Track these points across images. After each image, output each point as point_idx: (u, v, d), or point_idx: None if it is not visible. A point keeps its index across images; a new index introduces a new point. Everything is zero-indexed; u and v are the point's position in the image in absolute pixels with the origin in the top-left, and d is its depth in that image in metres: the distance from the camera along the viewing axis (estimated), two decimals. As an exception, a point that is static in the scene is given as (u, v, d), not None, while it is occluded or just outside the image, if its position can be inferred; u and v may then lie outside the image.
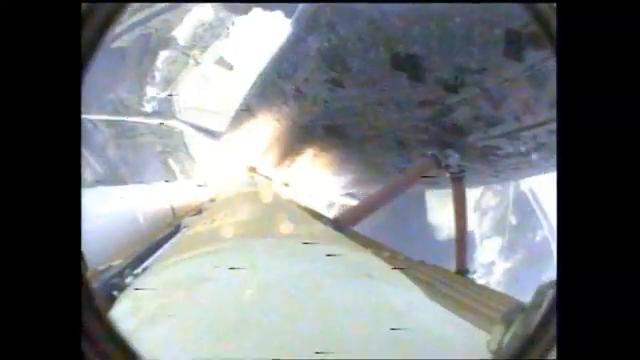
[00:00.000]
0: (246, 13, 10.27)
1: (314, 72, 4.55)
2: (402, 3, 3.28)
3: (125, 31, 9.88)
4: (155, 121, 10.22)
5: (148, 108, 10.48)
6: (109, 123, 10.60)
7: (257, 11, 10.21)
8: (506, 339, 0.64)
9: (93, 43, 0.59)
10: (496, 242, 15.25)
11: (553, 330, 0.59)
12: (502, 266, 15.10)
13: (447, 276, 3.01)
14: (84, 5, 0.58)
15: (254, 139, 7.83)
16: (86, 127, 10.28)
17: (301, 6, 4.75)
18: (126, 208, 3.91)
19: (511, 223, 14.91)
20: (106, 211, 3.63)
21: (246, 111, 7.68)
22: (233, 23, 10.60)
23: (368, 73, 3.96)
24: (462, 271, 4.79)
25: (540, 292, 0.64)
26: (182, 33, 10.49)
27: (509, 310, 0.67)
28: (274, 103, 6.03)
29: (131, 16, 9.62)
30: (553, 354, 0.59)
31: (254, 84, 7.12)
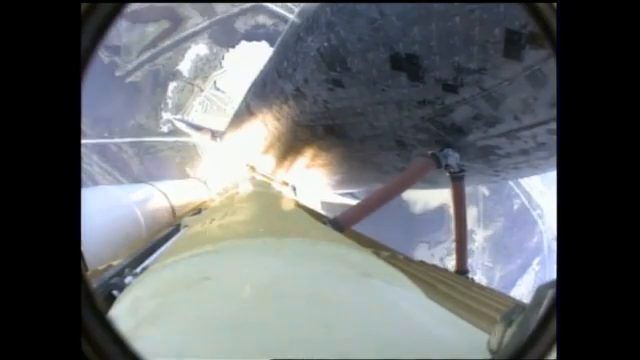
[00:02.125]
0: (233, 47, 12.79)
1: (314, 72, 4.55)
2: (402, 3, 3.28)
3: (136, 68, 12.39)
4: (171, 139, 12.49)
5: (164, 129, 12.86)
6: (132, 144, 12.94)
7: (244, 43, 12.68)
8: (506, 339, 0.64)
9: (93, 43, 0.59)
10: (471, 211, 15.97)
11: (553, 330, 0.59)
12: (482, 234, 16.14)
13: (447, 276, 3.01)
14: (84, 5, 0.58)
15: (254, 139, 7.83)
16: (111, 149, 12.85)
17: (301, 6, 4.75)
18: (126, 208, 3.91)
19: (484, 194, 15.32)
20: (106, 211, 3.63)
21: (246, 111, 7.69)
22: (223, 57, 13.17)
23: (368, 73, 3.96)
24: (462, 271, 4.80)
25: (540, 292, 0.64)
26: (185, 67, 12.91)
27: (509, 310, 0.67)
28: (274, 103, 6.03)
29: (139, 56, 12.16)
30: (553, 354, 0.59)
31: (254, 84, 7.12)
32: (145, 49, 12.38)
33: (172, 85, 12.99)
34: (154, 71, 12.77)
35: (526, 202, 16.06)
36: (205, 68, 12.96)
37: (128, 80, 12.43)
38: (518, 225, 15.89)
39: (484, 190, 15.63)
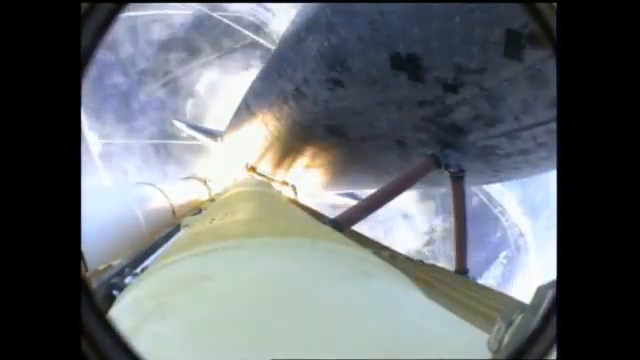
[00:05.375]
0: (236, 75, 16.49)
1: (314, 72, 4.55)
2: (402, 3, 3.28)
3: (162, 87, 16.38)
4: (188, 142, 15.74)
5: (184, 134, 15.68)
6: (157, 145, 16.63)
7: (244, 73, 15.78)
8: (506, 339, 0.64)
9: (93, 43, 0.59)
10: (428, 205, 17.83)
11: (553, 330, 0.59)
12: (442, 225, 17.85)
13: (447, 276, 3.01)
14: (84, 5, 0.58)
15: (254, 139, 7.83)
16: (139, 149, 16.28)
17: (301, 6, 4.75)
18: (126, 208, 3.90)
19: (439, 190, 16.42)
20: (106, 211, 3.62)
21: (246, 111, 7.68)
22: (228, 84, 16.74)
23: (368, 73, 3.96)
24: (462, 271, 4.80)
25: (540, 292, 0.64)
26: (200, 87, 16.92)
27: (509, 310, 0.67)
28: (274, 103, 6.03)
29: (164, 76, 16.18)
30: (553, 354, 0.59)
31: (254, 84, 7.12)
32: (168, 72, 16.63)
33: (190, 101, 17.14)
34: (176, 90, 17.04)
35: (485, 200, 17.28)
36: (216, 90, 17.22)
37: (154, 96, 16.67)
38: (478, 220, 16.78)
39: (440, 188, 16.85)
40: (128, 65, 15.78)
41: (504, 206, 17.56)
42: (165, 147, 16.33)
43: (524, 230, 17.81)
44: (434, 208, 17.61)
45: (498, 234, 17.61)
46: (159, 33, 15.80)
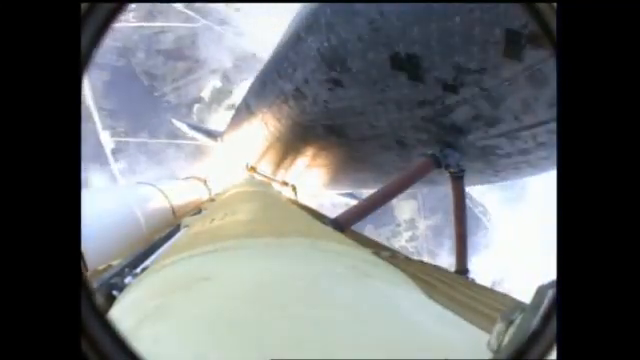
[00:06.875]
0: (237, 85, 19.00)
1: (314, 72, 4.55)
2: (402, 3, 3.28)
3: (171, 92, 18.94)
4: (194, 142, 17.66)
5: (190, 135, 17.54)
6: (169, 143, 19.27)
7: (247, 81, 17.06)
8: (506, 339, 0.64)
9: (93, 43, 0.59)
10: (411, 204, 18.94)
11: (553, 330, 0.59)
12: (424, 223, 19.20)
13: (447, 276, 3.00)
14: (84, 5, 0.58)
15: (254, 139, 7.83)
16: (149, 147, 18.94)
17: (301, 6, 4.75)
18: (126, 208, 3.90)
19: (421, 190, 17.01)
20: (106, 211, 3.62)
21: (246, 111, 7.68)
22: (231, 92, 19.45)
23: (368, 73, 3.96)
24: (462, 271, 4.80)
25: (540, 292, 0.64)
26: (206, 94, 19.34)
27: (509, 310, 0.67)
28: (274, 103, 6.03)
29: (172, 83, 18.85)
30: (553, 354, 0.59)
31: (254, 84, 7.11)
32: (176, 79, 18.89)
33: (196, 106, 19.15)
34: (183, 95, 19.15)
35: (468, 201, 17.91)
36: (220, 96, 19.51)
37: (164, 100, 18.87)
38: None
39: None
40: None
41: (486, 206, 18.63)
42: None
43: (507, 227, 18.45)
44: (416, 207, 18.71)
45: (480, 233, 18.57)
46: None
